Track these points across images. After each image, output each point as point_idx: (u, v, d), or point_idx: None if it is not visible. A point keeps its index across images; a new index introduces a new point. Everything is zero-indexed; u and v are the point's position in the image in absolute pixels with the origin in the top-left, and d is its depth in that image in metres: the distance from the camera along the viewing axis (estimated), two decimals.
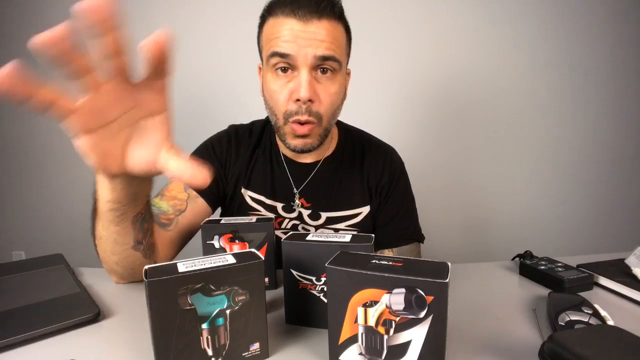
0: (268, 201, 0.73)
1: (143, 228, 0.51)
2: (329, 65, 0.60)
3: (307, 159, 0.74)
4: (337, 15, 0.60)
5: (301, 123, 0.61)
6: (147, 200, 0.49)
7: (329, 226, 0.72)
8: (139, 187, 0.44)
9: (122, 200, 0.43)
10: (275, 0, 0.61)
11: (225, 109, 1.70)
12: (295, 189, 0.73)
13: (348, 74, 0.71)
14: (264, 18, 0.63)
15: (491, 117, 1.75)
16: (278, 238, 0.67)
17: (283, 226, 0.73)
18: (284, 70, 0.60)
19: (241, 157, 0.74)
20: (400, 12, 1.64)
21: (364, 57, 1.62)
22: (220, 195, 0.74)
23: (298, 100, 0.60)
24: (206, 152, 0.74)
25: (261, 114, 0.84)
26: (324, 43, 0.58)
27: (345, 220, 0.73)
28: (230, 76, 1.68)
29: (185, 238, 0.67)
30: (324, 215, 0.72)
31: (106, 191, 0.42)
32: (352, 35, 0.67)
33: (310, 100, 0.60)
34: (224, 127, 0.80)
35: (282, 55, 0.58)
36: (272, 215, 0.72)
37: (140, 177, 0.38)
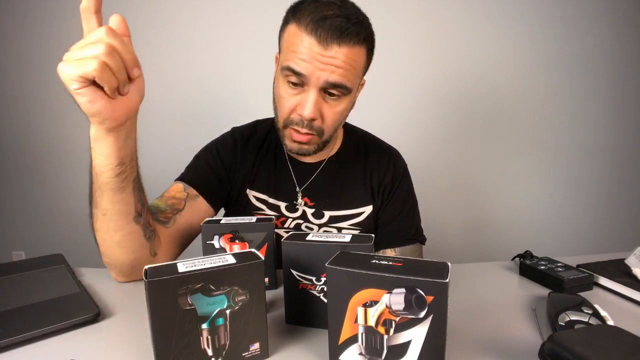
0: (271, 200, 0.73)
1: (141, 198, 0.54)
2: (338, 92, 0.61)
3: (310, 158, 0.74)
4: (362, 39, 0.59)
5: (300, 132, 0.63)
6: (137, 164, 0.54)
7: (332, 225, 0.73)
8: (132, 143, 0.51)
9: (125, 159, 0.49)
10: (303, 5, 0.59)
11: (227, 110, 1.70)
12: (298, 187, 0.73)
13: (362, 84, 0.70)
14: (287, 19, 0.62)
15: (491, 118, 1.75)
16: (279, 238, 0.67)
17: (286, 225, 0.73)
18: (295, 85, 0.61)
19: (247, 160, 0.75)
20: (403, 14, 1.64)
21: None
22: (223, 196, 0.74)
23: (301, 115, 0.61)
24: (210, 154, 0.74)
25: (263, 114, 0.84)
26: (339, 69, 0.58)
27: (348, 219, 0.73)
28: (232, 77, 1.68)
29: (186, 237, 0.67)
30: (328, 214, 0.72)
31: (112, 156, 0.48)
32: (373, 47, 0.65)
33: (313, 119, 0.61)
34: (227, 127, 0.80)
35: (295, 73, 0.59)
36: (273, 215, 0.72)
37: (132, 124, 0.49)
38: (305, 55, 0.57)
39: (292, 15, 0.60)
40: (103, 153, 0.47)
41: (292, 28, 0.59)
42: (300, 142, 0.65)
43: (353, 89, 0.62)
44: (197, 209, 0.68)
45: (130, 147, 0.50)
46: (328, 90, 0.60)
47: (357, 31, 0.57)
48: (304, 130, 0.62)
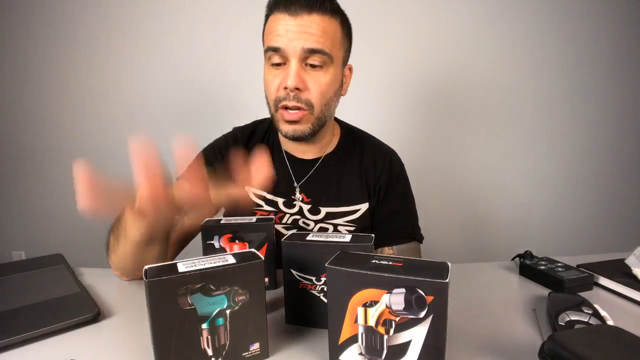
0: (269, 196, 0.74)
1: (167, 242, 0.56)
2: (318, 59, 0.62)
3: (308, 155, 0.75)
4: (330, 9, 0.62)
5: (289, 108, 0.64)
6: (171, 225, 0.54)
7: (328, 221, 0.73)
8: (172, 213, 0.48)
9: (159, 229, 0.51)
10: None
11: (229, 109, 1.69)
12: (296, 182, 0.74)
13: (350, 69, 0.72)
14: (266, 16, 0.66)
15: (491, 117, 1.74)
16: (278, 235, 0.67)
17: (284, 221, 0.74)
18: (278, 65, 0.63)
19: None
20: (400, 10, 1.64)
21: (362, 56, 1.62)
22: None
23: (286, 88, 0.62)
24: (212, 153, 0.76)
25: (263, 114, 0.85)
26: (313, 36, 0.60)
27: (344, 216, 0.73)
28: (234, 76, 1.68)
29: (188, 238, 0.69)
30: (324, 211, 0.73)
31: (148, 229, 0.49)
32: (352, 30, 0.68)
33: (298, 89, 0.62)
34: (228, 126, 0.82)
35: (274, 50, 0.62)
36: (272, 216, 0.72)
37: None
38: (280, 30, 0.61)
39: (269, 10, 0.65)
40: (139, 228, 0.49)
41: (269, 19, 0.64)
42: (292, 122, 0.65)
43: (334, 58, 0.64)
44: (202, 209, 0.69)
45: (168, 219, 0.49)
46: (309, 59, 0.62)
47: (322, 0, 0.61)
48: (292, 104, 0.63)
